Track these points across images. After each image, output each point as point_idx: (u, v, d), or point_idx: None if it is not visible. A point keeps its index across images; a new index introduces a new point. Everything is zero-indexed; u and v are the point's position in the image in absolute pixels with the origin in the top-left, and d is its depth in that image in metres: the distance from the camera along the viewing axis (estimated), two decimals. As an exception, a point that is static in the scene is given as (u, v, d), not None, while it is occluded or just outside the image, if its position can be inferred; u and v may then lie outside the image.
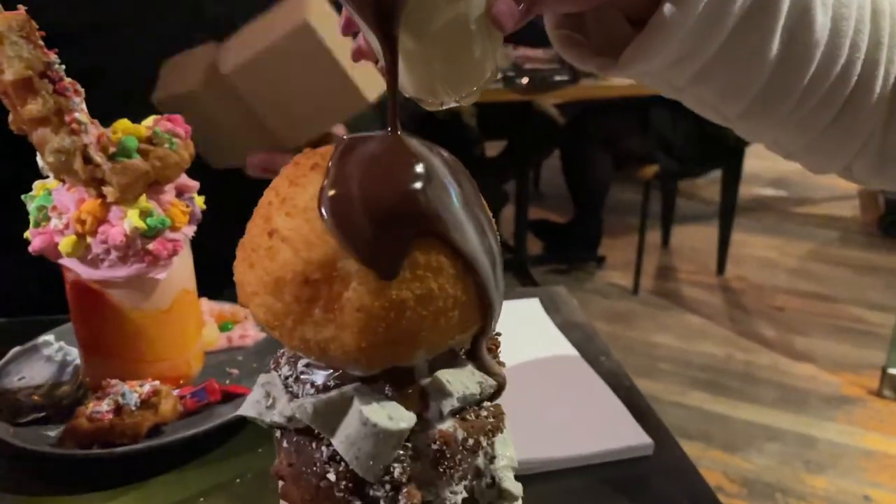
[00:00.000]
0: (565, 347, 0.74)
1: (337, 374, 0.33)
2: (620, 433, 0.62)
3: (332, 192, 0.30)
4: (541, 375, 0.70)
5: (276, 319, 0.31)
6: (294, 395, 0.33)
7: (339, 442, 0.32)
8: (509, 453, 0.36)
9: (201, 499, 0.56)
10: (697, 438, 2.16)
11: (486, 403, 0.36)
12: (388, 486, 0.32)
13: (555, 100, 3.61)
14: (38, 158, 0.59)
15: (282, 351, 0.36)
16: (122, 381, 0.59)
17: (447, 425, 0.33)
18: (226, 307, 0.77)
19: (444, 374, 0.33)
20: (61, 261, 0.59)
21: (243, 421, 0.62)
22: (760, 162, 4.93)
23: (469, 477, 0.35)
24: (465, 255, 0.31)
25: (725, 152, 3.00)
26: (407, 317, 0.31)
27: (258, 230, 0.32)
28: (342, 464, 0.32)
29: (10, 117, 0.53)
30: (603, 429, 0.62)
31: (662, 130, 2.86)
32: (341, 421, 0.32)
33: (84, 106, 0.53)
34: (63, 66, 0.51)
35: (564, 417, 0.64)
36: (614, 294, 3.07)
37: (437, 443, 0.32)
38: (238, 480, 0.58)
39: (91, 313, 0.61)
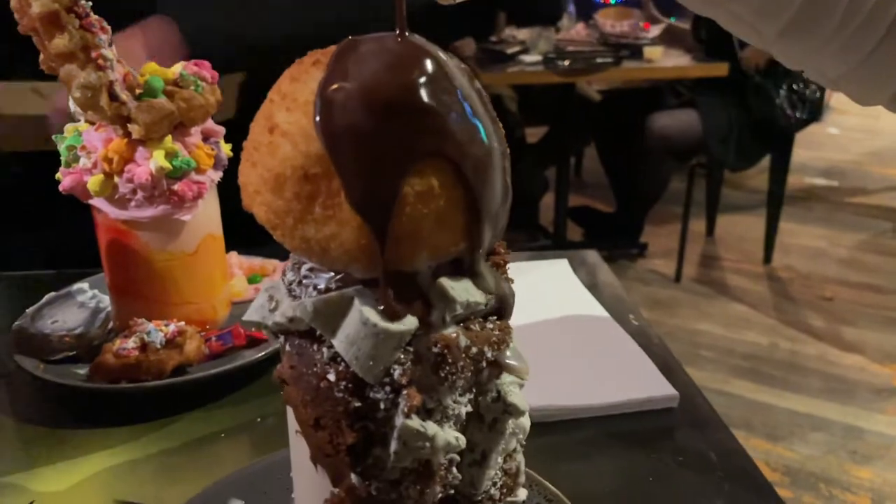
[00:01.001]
0: (592, 304, 0.73)
1: (339, 277, 0.33)
2: (645, 384, 0.60)
3: (327, 85, 0.30)
4: (566, 328, 0.69)
5: (278, 218, 0.31)
6: (297, 299, 0.33)
7: (338, 342, 0.32)
8: (518, 364, 0.35)
9: (222, 435, 0.57)
10: (739, 426, 2.11)
11: (493, 318, 0.35)
12: (387, 388, 0.32)
13: (599, 85, 3.56)
14: (70, 102, 0.61)
15: (288, 261, 0.36)
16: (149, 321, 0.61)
17: (450, 331, 0.33)
18: (255, 261, 0.77)
19: (448, 281, 0.33)
20: (91, 201, 0.60)
21: (266, 364, 0.62)
22: (811, 152, 4.80)
23: (474, 390, 0.35)
24: (463, 166, 0.31)
25: (775, 138, 2.92)
26: (407, 213, 0.30)
27: (260, 128, 0.32)
28: (342, 364, 0.32)
29: (41, 56, 0.55)
30: (628, 379, 0.61)
31: (710, 117, 2.79)
32: (342, 321, 0.32)
33: (110, 44, 0.54)
34: (90, 3, 0.52)
35: (590, 368, 0.63)
36: (656, 282, 3.02)
37: (438, 346, 0.32)
38: (259, 420, 0.58)
39: (120, 255, 0.62)
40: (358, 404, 0.32)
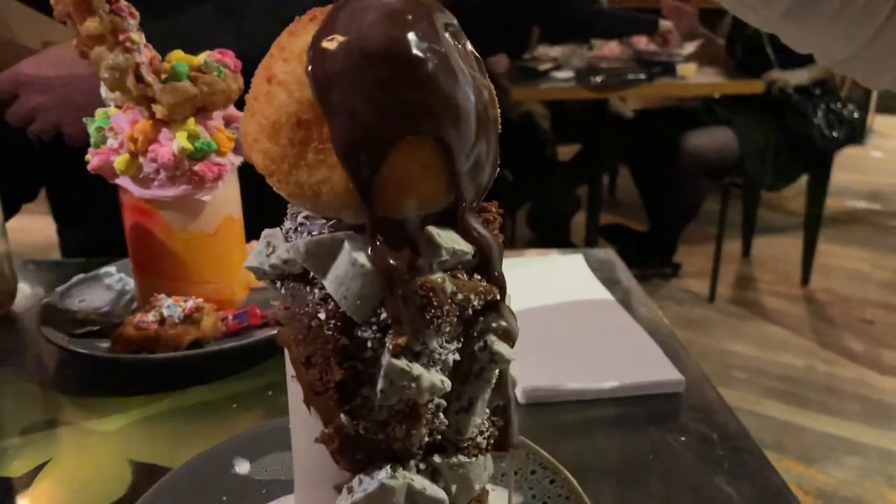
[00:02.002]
0: (602, 293, 0.74)
1: (331, 223, 0.34)
2: (652, 368, 0.60)
3: (320, 36, 0.32)
4: (576, 314, 0.70)
5: (274, 164, 0.33)
6: (292, 244, 0.35)
7: (329, 282, 0.33)
8: (505, 324, 0.36)
9: (234, 405, 0.59)
10: (771, 448, 2.06)
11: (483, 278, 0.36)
12: (374, 328, 0.33)
13: (633, 104, 3.56)
14: (101, 88, 0.64)
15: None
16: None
17: (436, 277, 0.34)
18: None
19: (435, 229, 0.34)
20: (117, 181, 0.63)
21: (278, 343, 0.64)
22: (853, 175, 4.70)
23: (461, 339, 0.36)
24: (446, 133, 0.32)
25: (812, 158, 2.88)
26: (392, 161, 0.31)
27: (259, 80, 0.34)
28: (332, 304, 0.33)
29: (75, 42, 0.58)
30: (635, 364, 0.61)
31: (747, 136, 2.77)
32: (332, 263, 0.33)
33: (138, 28, 0.57)
34: (120, -11, 0.56)
35: (597, 352, 0.63)
36: (689, 301, 2.98)
37: (424, 289, 0.33)
38: (270, 393, 0.60)
39: (143, 234, 0.65)
40: (346, 342, 0.33)
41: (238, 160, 0.66)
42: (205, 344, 0.63)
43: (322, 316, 0.33)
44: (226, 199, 0.66)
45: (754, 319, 2.83)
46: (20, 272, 0.78)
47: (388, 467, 0.35)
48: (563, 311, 0.70)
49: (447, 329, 0.35)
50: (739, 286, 3.14)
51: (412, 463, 0.36)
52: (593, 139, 3.05)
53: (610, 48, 2.87)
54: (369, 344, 0.33)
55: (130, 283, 0.74)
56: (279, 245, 0.36)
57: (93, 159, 0.62)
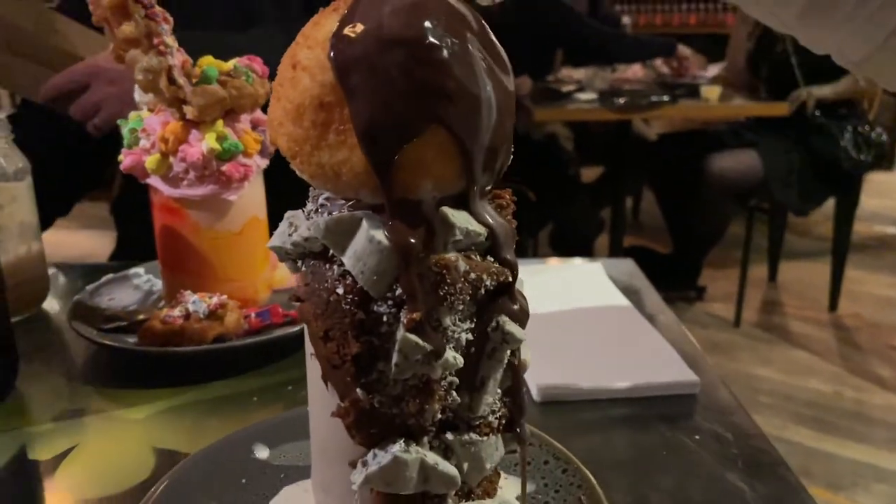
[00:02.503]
0: (619, 298, 0.74)
1: (351, 203, 0.36)
2: (667, 369, 0.61)
3: (342, 24, 0.33)
4: (592, 317, 0.70)
5: (297, 145, 0.35)
6: (313, 224, 0.36)
7: (347, 258, 0.34)
8: (517, 306, 0.37)
9: (255, 398, 0.60)
10: (798, 474, 2.02)
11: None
12: (390, 303, 0.34)
13: (657, 128, 3.56)
14: (135, 92, 0.67)
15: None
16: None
17: (450, 255, 0.35)
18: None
19: (450, 210, 0.35)
20: (148, 180, 0.65)
21: (299, 341, 0.65)
22: (882, 200, 4.64)
23: (475, 319, 0.37)
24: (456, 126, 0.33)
25: (839, 181, 2.85)
26: (410, 143, 0.33)
27: (284, 67, 0.35)
28: (350, 279, 0.34)
29: (112, 47, 0.61)
30: (650, 365, 0.61)
31: (772, 158, 2.76)
32: (350, 240, 0.35)
33: (172, 33, 0.60)
34: (155, -5, 0.58)
35: (612, 352, 0.64)
36: (714, 325, 2.95)
37: (438, 266, 0.34)
38: (290, 387, 0.61)
39: (172, 233, 0.67)
40: (363, 316, 0.34)
41: (264, 163, 0.68)
42: (228, 339, 0.64)
43: (340, 291, 0.35)
44: (252, 200, 0.68)
45: (781, 344, 2.79)
46: (52, 274, 0.80)
47: (402, 441, 0.36)
48: (579, 314, 0.70)
49: (460, 307, 0.36)
50: (765, 311, 3.10)
51: (425, 439, 0.37)
52: (616, 161, 3.06)
53: (633, 71, 2.89)
54: (385, 319, 0.35)
55: (158, 284, 0.77)
56: (301, 225, 0.37)
57: (125, 159, 0.65)
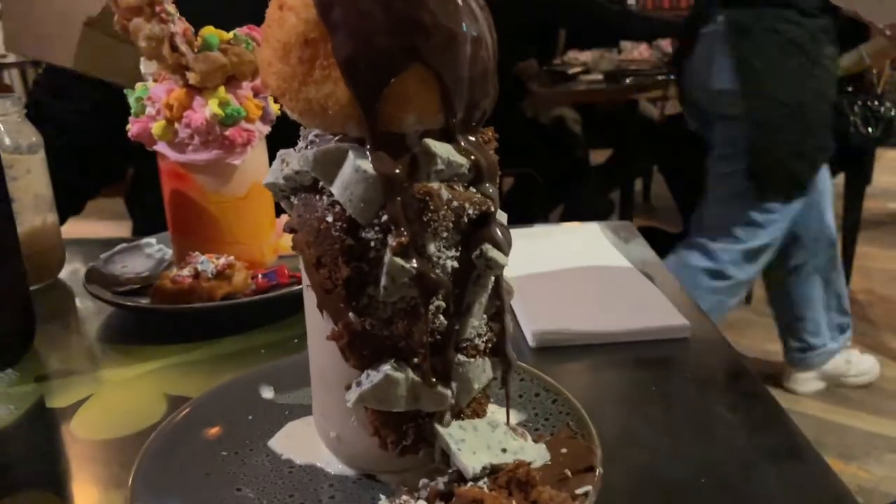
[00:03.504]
0: (613, 252, 0.76)
1: (338, 138, 0.38)
2: (658, 314, 0.63)
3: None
4: (586, 268, 0.72)
5: (286, 83, 0.37)
6: (304, 159, 0.38)
7: (335, 188, 0.37)
8: (499, 233, 0.39)
9: (262, 350, 0.62)
10: (809, 445, 2.03)
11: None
12: (377, 229, 0.36)
13: (668, 109, 3.55)
14: (141, 64, 0.69)
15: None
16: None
17: (434, 185, 0.37)
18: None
19: (432, 141, 0.37)
20: (155, 147, 0.68)
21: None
22: (894, 178, 4.61)
23: (458, 246, 0.39)
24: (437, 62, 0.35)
25: (848, 156, 2.83)
26: (391, 76, 0.35)
27: (272, 9, 0.38)
28: (338, 207, 0.37)
29: (115, 17, 0.63)
30: (641, 310, 0.63)
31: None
32: (338, 170, 0.37)
33: (173, 1, 0.62)
34: (157, -36, 0.61)
35: (605, 300, 0.66)
36: (725, 303, 2.95)
37: (421, 193, 0.36)
38: (296, 341, 0.64)
39: (179, 198, 0.70)
40: (352, 242, 0.37)
41: (266, 129, 0.70)
42: (236, 297, 0.67)
43: (330, 219, 0.37)
44: (256, 166, 0.70)
45: (792, 320, 2.78)
46: (68, 247, 0.83)
47: (393, 361, 0.38)
48: (574, 267, 0.72)
49: (444, 234, 0.38)
50: (777, 288, 3.09)
51: (415, 361, 0.39)
52: (624, 143, 3.06)
53: (640, 52, 2.89)
54: (372, 244, 0.37)
55: (169, 253, 0.79)
56: (292, 160, 0.39)
57: (133, 127, 0.67)
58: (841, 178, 2.97)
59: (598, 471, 0.38)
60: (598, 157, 3.54)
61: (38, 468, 0.48)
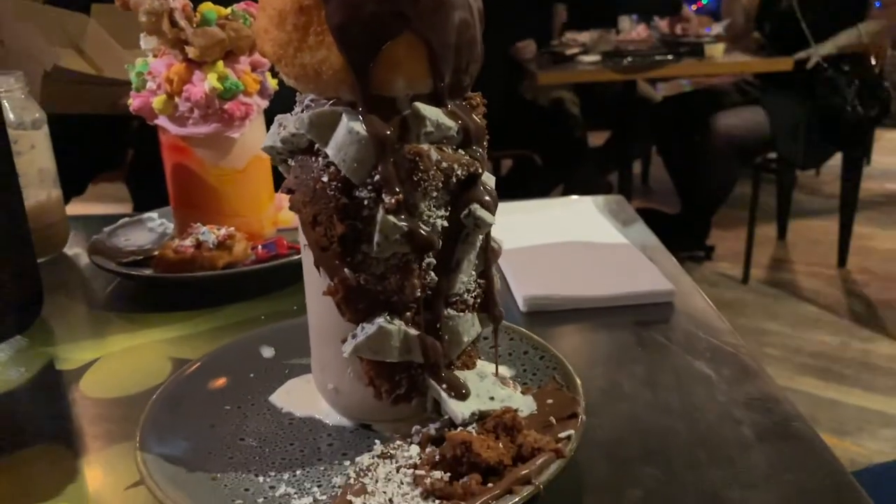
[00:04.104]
0: (602, 223, 0.78)
1: (332, 102, 0.40)
2: (645, 279, 0.65)
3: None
4: (576, 237, 0.74)
5: (282, 49, 0.39)
6: (300, 123, 0.40)
7: (330, 149, 0.39)
8: (486, 194, 0.41)
9: (262, 317, 0.65)
10: (804, 421, 2.06)
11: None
12: (370, 188, 0.38)
13: (663, 90, 3.56)
14: (141, 40, 0.71)
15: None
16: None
17: (423, 146, 0.39)
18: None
19: (421, 105, 0.39)
20: (156, 121, 0.70)
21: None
22: (893, 158, 4.61)
23: (448, 206, 0.41)
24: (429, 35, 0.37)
25: (845, 135, 2.85)
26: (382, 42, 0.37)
27: (269, -22, 0.39)
28: (333, 168, 0.39)
29: (115, -4, 0.65)
30: (628, 276, 0.65)
31: (778, 114, 2.76)
32: (332, 133, 0.39)
33: (172, -23, 0.64)
34: (155, -59, 0.62)
35: (594, 267, 0.68)
36: (723, 283, 2.98)
37: (411, 154, 0.38)
38: (295, 308, 0.66)
39: (180, 171, 0.72)
40: (346, 201, 0.39)
41: (264, 103, 0.72)
42: (236, 267, 0.69)
43: (325, 179, 0.39)
44: (254, 140, 0.72)
45: (789, 299, 2.81)
46: (70, 224, 0.85)
47: (386, 314, 0.40)
48: (564, 235, 0.74)
49: (434, 194, 0.40)
50: (774, 268, 3.12)
51: (407, 314, 0.41)
52: (622, 124, 3.07)
53: (637, 32, 2.89)
54: (366, 203, 0.39)
55: (170, 227, 0.81)
56: (289, 123, 0.41)
57: (134, 101, 0.69)
58: (839, 157, 2.99)
59: (581, 417, 0.41)
60: (597, 139, 3.55)
61: (49, 424, 0.50)
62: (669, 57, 2.49)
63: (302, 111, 0.41)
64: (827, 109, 2.71)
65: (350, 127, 0.38)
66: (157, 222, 0.83)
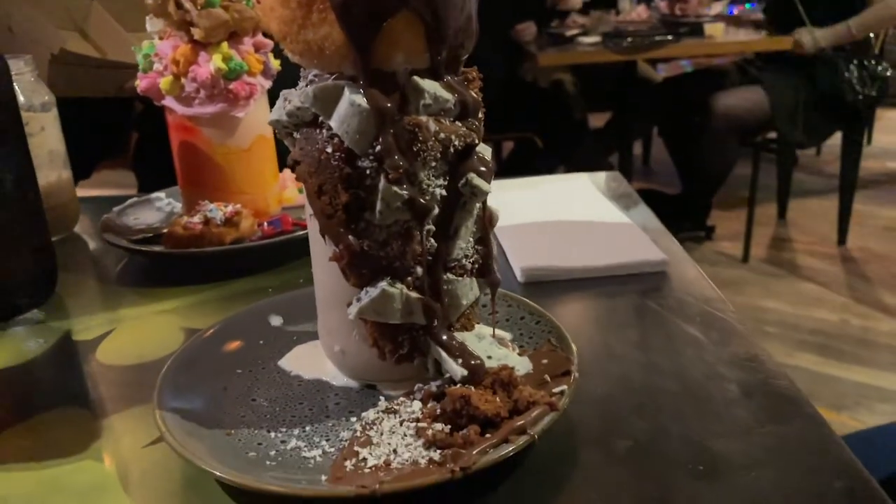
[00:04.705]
0: (598, 197, 0.80)
1: (335, 76, 0.42)
2: (639, 250, 0.67)
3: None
4: (572, 210, 0.76)
5: (286, 26, 0.41)
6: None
7: (333, 121, 0.41)
8: (482, 164, 0.43)
9: (270, 290, 0.67)
10: (802, 396, 2.09)
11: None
12: (372, 158, 0.40)
13: (663, 71, 3.56)
14: (147, 23, 0.73)
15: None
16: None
17: (422, 118, 0.41)
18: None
19: (419, 78, 0.41)
20: (163, 102, 0.72)
21: (306, 243, 0.72)
22: (893, 137, 4.61)
23: (446, 175, 0.43)
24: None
25: (844, 115, 2.85)
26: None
27: (273, -41, 0.41)
28: (336, 139, 0.41)
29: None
30: (623, 246, 0.68)
31: (778, 94, 2.77)
32: (335, 106, 0.41)
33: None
34: (161, -74, 0.64)
35: (590, 239, 0.70)
36: (723, 262, 3.00)
37: (410, 125, 0.40)
38: (301, 281, 0.68)
39: (187, 150, 0.74)
40: (349, 171, 0.41)
41: (267, 84, 0.74)
42: (244, 243, 0.71)
43: (329, 150, 0.41)
44: (258, 119, 0.74)
45: (788, 278, 2.83)
46: (81, 204, 0.88)
47: (388, 278, 0.43)
48: (561, 209, 0.76)
49: (433, 164, 0.42)
50: (774, 247, 3.14)
51: (409, 279, 0.43)
52: (623, 105, 3.08)
53: (637, 13, 2.89)
54: (368, 172, 0.41)
55: (178, 206, 0.83)
56: (293, 98, 0.43)
57: (141, 82, 0.71)
58: (839, 136, 3.00)
59: (574, 374, 0.43)
60: (598, 120, 3.56)
61: (69, 389, 0.53)
62: (669, 37, 2.49)
63: (306, 86, 0.43)
64: (827, 90, 2.71)
65: (352, 100, 0.40)
66: (165, 202, 0.85)
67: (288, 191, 0.84)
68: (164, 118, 0.76)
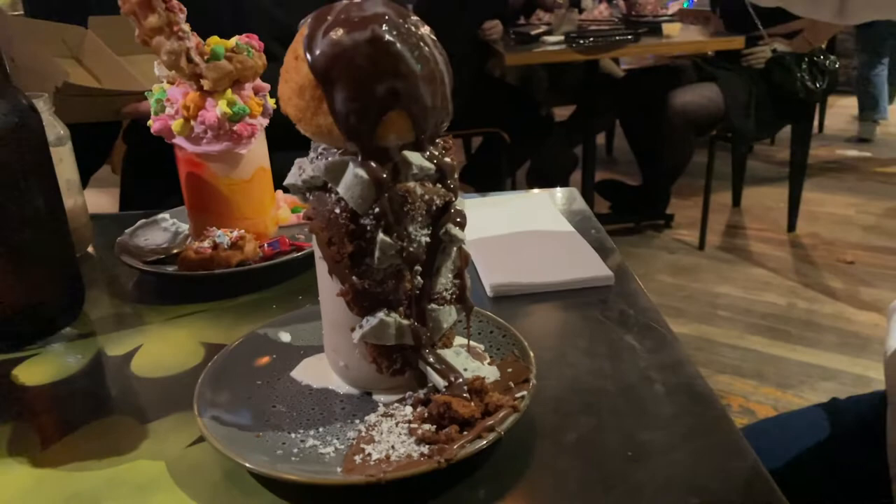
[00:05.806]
0: (557, 216, 0.92)
1: (341, 151, 0.52)
2: (587, 267, 0.79)
3: (309, 32, 0.49)
4: (533, 229, 0.88)
5: (301, 113, 0.51)
6: (315, 167, 0.53)
7: (340, 188, 0.51)
8: (458, 217, 0.54)
9: (274, 306, 0.77)
10: (750, 377, 2.25)
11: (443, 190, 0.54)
12: (371, 217, 0.51)
13: (627, 63, 3.69)
14: (155, 66, 0.82)
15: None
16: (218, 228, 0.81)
17: (411, 184, 0.52)
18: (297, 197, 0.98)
19: (408, 153, 0.52)
20: (174, 140, 0.81)
21: (304, 263, 0.83)
22: (844, 124, 4.81)
23: (429, 227, 0.54)
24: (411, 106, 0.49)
25: (795, 108, 3.01)
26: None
27: (289, 58, 0.51)
28: (343, 202, 0.51)
29: (136, 32, 0.76)
30: (576, 265, 0.79)
31: (732, 91, 2.91)
32: (342, 176, 0.51)
33: (186, 20, 0.75)
34: (172, -10, 0.73)
35: (548, 257, 0.81)
36: (680, 250, 3.15)
37: (402, 191, 0.51)
38: (300, 297, 0.79)
39: (195, 182, 0.83)
40: (353, 227, 0.51)
41: (265, 122, 0.84)
42: (248, 264, 0.81)
43: (337, 210, 0.52)
44: (257, 154, 0.84)
45: (741, 264, 3.00)
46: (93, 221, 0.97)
47: (385, 310, 0.53)
48: (524, 228, 0.88)
49: (419, 219, 0.53)
50: (728, 234, 3.30)
51: (401, 309, 0.54)
52: (586, 99, 3.20)
53: (599, 11, 3.01)
54: (368, 228, 0.52)
55: (182, 227, 0.93)
56: (307, 167, 0.54)
57: (154, 123, 0.80)
58: (788, 127, 3.16)
59: (533, 382, 0.54)
60: (563, 112, 3.67)
61: (113, 399, 0.63)
62: (629, 37, 2.61)
63: (316, 157, 0.54)
64: (778, 86, 2.86)
65: (356, 172, 0.51)
66: (170, 222, 0.94)
67: (282, 211, 0.94)
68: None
